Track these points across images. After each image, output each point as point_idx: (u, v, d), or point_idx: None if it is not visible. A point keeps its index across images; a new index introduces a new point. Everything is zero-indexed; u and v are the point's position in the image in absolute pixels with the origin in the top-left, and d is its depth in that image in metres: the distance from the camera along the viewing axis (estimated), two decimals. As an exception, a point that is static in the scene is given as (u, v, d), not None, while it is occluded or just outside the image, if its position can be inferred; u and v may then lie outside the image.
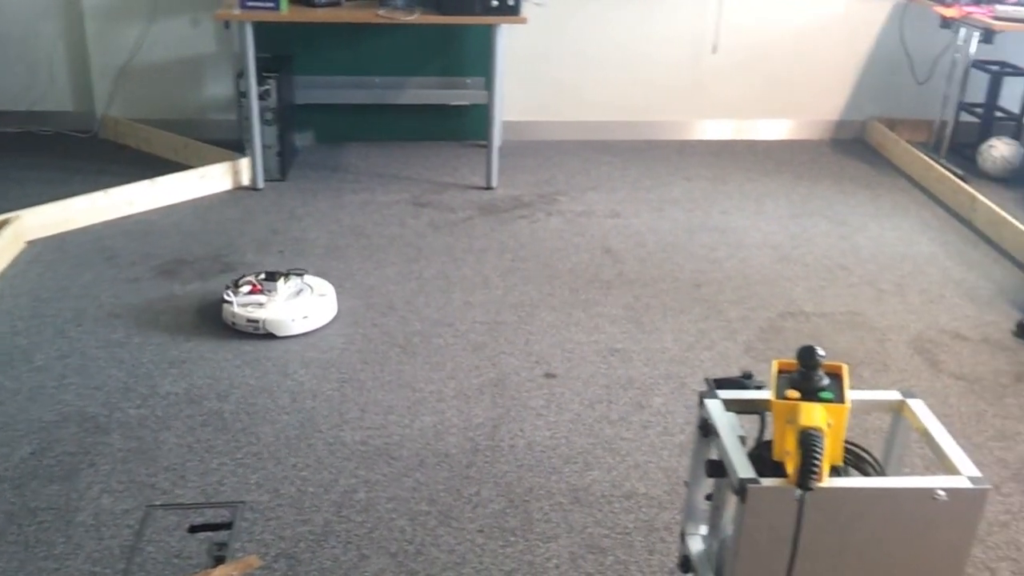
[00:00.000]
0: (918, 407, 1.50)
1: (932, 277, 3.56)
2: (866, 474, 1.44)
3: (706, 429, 1.48)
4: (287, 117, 4.36)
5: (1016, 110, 4.81)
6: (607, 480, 2.39)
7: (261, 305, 3.04)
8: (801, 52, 4.94)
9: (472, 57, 4.64)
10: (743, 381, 1.54)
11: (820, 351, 1.33)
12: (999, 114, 4.84)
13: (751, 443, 1.48)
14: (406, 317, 3.14)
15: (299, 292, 3.13)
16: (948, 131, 4.65)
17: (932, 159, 4.55)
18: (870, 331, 3.15)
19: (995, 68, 4.76)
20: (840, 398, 1.32)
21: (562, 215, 4.00)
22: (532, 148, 4.81)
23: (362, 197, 4.12)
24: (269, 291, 3.08)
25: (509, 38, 4.65)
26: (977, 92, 4.80)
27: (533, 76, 4.81)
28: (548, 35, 4.73)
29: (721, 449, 1.39)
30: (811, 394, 1.31)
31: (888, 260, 3.69)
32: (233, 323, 3.02)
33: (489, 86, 4.12)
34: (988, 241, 3.89)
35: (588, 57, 4.82)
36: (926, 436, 1.46)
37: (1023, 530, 2.27)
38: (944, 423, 2.70)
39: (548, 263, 3.56)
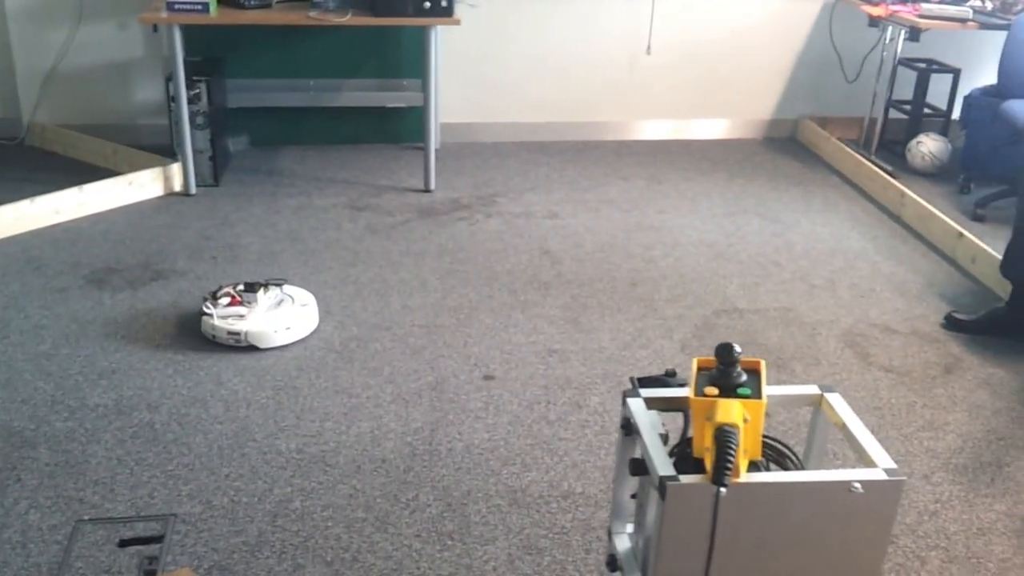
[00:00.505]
0: (836, 401, 1.53)
1: (862, 272, 3.64)
2: (785, 468, 1.46)
3: (628, 428, 1.49)
4: (219, 121, 4.29)
5: (943, 106, 4.95)
6: (545, 480, 2.40)
7: (242, 317, 2.98)
8: (733, 53, 5.01)
9: (408, 59, 4.62)
10: (666, 379, 1.55)
11: (737, 348, 1.35)
12: (927, 111, 4.97)
13: (677, 440, 1.49)
14: (343, 322, 3.11)
15: (280, 302, 3.08)
16: (878, 128, 4.76)
17: (862, 156, 4.66)
18: (802, 326, 3.21)
19: (922, 65, 4.89)
20: (758, 394, 1.34)
21: (501, 216, 4.01)
22: (470, 150, 4.81)
23: (298, 201, 4.07)
24: (249, 302, 3.03)
25: (446, 39, 4.65)
26: (905, 89, 4.92)
27: (471, 78, 4.81)
28: (485, 36, 4.74)
29: (643, 447, 1.40)
30: (729, 390, 1.33)
31: (820, 256, 3.76)
32: (213, 336, 2.96)
33: (425, 88, 4.10)
34: (917, 236, 3.99)
35: (525, 58, 4.83)
36: (844, 429, 1.49)
37: (952, 518, 2.33)
38: (874, 416, 2.77)
39: (487, 265, 3.56)
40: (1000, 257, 3.29)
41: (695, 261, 3.67)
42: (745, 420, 1.30)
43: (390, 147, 4.77)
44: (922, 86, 4.92)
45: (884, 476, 1.32)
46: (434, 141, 4.20)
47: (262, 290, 3.06)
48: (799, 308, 3.33)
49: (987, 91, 4.62)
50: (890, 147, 4.94)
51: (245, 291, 3.06)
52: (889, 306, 3.38)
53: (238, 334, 2.93)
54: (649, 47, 4.89)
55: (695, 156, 4.88)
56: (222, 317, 2.97)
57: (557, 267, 3.56)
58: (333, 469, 2.41)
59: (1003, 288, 3.34)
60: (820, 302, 3.38)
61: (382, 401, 2.70)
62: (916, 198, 4.08)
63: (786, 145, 5.12)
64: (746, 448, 1.31)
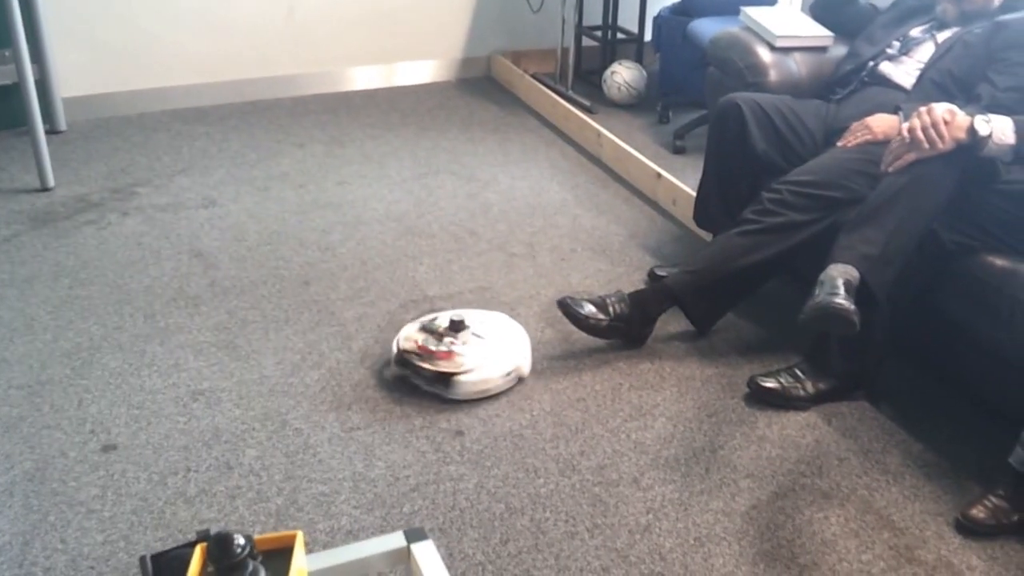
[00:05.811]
0: (425, 553, 1.08)
1: (563, 229, 3.29)
2: None
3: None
4: None
5: (635, 29, 4.69)
6: (178, 590, 1.85)
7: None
8: (409, -14, 4.46)
9: (4, 24, 3.69)
10: (186, 554, 1.03)
11: (239, 540, 0.86)
12: (620, 35, 4.71)
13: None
14: (-91, 397, 2.34)
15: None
16: (571, 60, 4.42)
17: (559, 93, 4.31)
18: (500, 308, 2.80)
19: (610, -13, 4.59)
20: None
21: (141, 212, 3.28)
22: (107, 128, 3.97)
23: None
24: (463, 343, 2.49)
25: (54, -6, 3.78)
26: (596, 14, 4.62)
27: (97, 39, 3.94)
28: (108, -14, 3.90)
29: None
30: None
31: (518, 217, 3.38)
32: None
33: (16, 56, 3.23)
34: (617, 179, 3.70)
35: (164, 8, 4.02)
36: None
37: (667, 530, 2.03)
38: (579, 409, 2.41)
39: (118, 283, 2.86)
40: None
41: (380, 241, 3.17)
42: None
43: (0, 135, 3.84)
44: (611, 9, 4.63)
45: None
46: (41, 123, 3.33)
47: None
48: (497, 285, 2.93)
49: (675, 9, 4.40)
50: (588, 78, 4.65)
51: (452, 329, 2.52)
52: (592, 268, 3.05)
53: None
54: (309, -14, 4.24)
55: (382, 108, 4.33)
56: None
57: (211, 273, 2.93)
58: None
59: (705, 232, 3.11)
60: (519, 274, 3.00)
61: (-43, 510, 2.01)
62: (612, 137, 3.78)
63: (481, 85, 4.68)
64: None
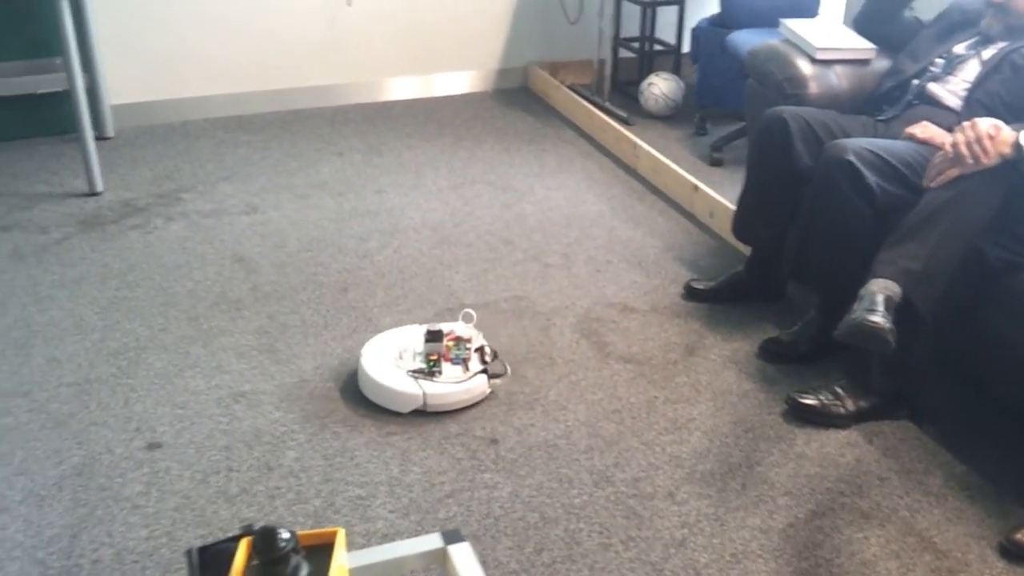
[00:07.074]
0: (461, 555, 1.11)
1: (598, 241, 3.32)
2: None
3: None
4: None
5: (673, 41, 4.71)
6: (219, 587, 1.89)
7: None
8: (446, -1, 4.52)
9: (57, 33, 3.79)
10: (229, 548, 1.07)
11: (284, 535, 0.89)
12: (658, 47, 4.73)
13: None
14: (-37, 394, 2.42)
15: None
16: (608, 71, 4.45)
17: (596, 104, 4.34)
18: (534, 317, 2.84)
19: (647, -1, 4.61)
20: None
21: (186, 218, 3.36)
22: (153, 135, 4.06)
23: (-81, 226, 3.24)
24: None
25: (104, 4, 3.87)
26: (634, 25, 4.65)
27: (143, 48, 4.04)
28: (155, -3, 4.00)
29: None
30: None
31: (554, 227, 3.41)
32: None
33: (67, 64, 3.33)
34: (654, 191, 3.72)
35: (209, 20, 4.11)
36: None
37: (702, 546, 2.03)
38: (614, 421, 2.44)
39: (163, 286, 2.93)
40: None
41: (417, 250, 3.21)
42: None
43: (50, 141, 3.93)
44: (648, 21, 4.66)
45: None
46: (91, 130, 3.42)
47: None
48: (532, 295, 2.96)
49: (714, 21, 4.41)
50: (625, 90, 4.67)
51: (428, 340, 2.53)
52: (627, 280, 3.07)
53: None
54: (350, -3, 4.31)
55: (419, 118, 4.39)
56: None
57: (253, 278, 2.99)
58: (-76, 625, 1.79)
59: (744, 245, 3.11)
60: (555, 285, 3.03)
61: (9, 503, 2.07)
62: (649, 149, 3.80)
63: (517, 96, 4.72)
64: None
